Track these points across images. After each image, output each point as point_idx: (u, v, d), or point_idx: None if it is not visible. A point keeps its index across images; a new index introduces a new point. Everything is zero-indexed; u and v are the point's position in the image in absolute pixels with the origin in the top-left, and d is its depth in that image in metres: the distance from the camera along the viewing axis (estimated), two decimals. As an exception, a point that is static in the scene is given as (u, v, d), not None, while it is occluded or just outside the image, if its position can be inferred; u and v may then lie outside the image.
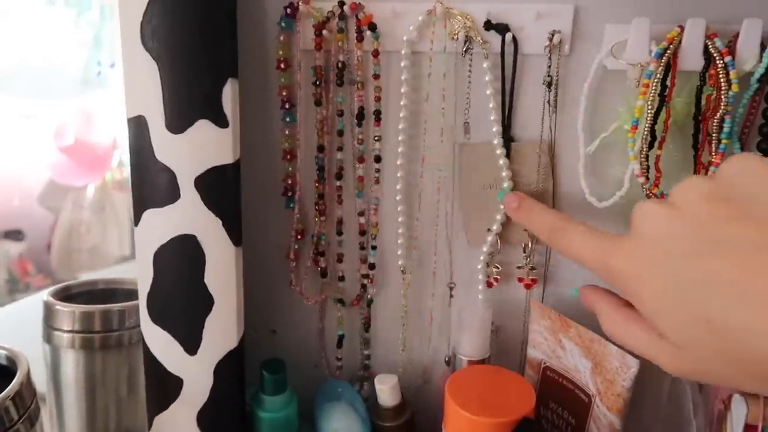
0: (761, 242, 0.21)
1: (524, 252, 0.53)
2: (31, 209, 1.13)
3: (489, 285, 0.53)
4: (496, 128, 0.49)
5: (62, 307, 0.53)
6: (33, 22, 1.06)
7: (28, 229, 1.15)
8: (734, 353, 0.21)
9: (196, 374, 0.49)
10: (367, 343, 0.57)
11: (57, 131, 1.06)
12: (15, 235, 1.13)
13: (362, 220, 0.53)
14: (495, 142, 0.49)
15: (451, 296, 0.55)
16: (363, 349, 0.58)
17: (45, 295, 0.55)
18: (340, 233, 0.54)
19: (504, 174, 0.50)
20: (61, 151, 1.06)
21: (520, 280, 0.53)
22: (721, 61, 0.43)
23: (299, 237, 0.54)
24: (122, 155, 1.08)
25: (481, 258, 0.52)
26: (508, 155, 0.50)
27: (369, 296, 0.56)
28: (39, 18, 1.07)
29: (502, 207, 0.49)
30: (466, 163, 0.51)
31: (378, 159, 0.51)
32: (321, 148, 0.51)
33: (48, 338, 0.54)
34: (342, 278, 0.56)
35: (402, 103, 0.49)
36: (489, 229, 0.52)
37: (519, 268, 0.53)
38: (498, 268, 0.53)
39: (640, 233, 0.26)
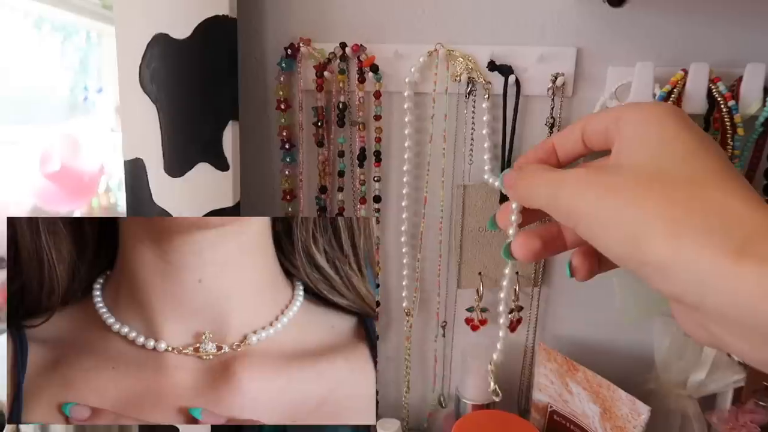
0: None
1: (514, 295, 0.53)
2: (14, 237, 1.09)
3: (474, 329, 0.53)
4: (492, 169, 0.49)
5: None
6: (19, 47, 1.05)
7: (12, 257, 1.11)
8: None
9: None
10: (375, 381, 0.56)
11: (43, 157, 1.04)
12: (-2, 263, 1.10)
13: (365, 261, 0.52)
14: (497, 184, 0.49)
15: (443, 336, 0.54)
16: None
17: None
18: (340, 274, 0.53)
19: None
20: (47, 178, 1.03)
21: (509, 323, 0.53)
22: (725, 105, 0.43)
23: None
24: (109, 181, 1.06)
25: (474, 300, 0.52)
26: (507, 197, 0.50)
27: (376, 334, 0.54)
28: (25, 42, 1.05)
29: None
30: (466, 204, 0.51)
31: (378, 199, 0.51)
32: (323, 189, 0.50)
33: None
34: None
35: (406, 144, 0.48)
36: (480, 273, 0.51)
37: (510, 312, 0.53)
38: (486, 311, 0.52)
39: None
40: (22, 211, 1.08)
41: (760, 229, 0.19)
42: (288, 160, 0.50)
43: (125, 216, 0.47)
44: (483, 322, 0.52)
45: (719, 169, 0.22)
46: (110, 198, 1.11)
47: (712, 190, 0.21)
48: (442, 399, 0.56)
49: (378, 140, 0.49)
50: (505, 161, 0.49)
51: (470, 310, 0.52)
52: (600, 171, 0.23)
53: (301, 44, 0.47)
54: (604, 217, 0.22)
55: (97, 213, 1.08)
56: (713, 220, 0.20)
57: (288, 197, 0.51)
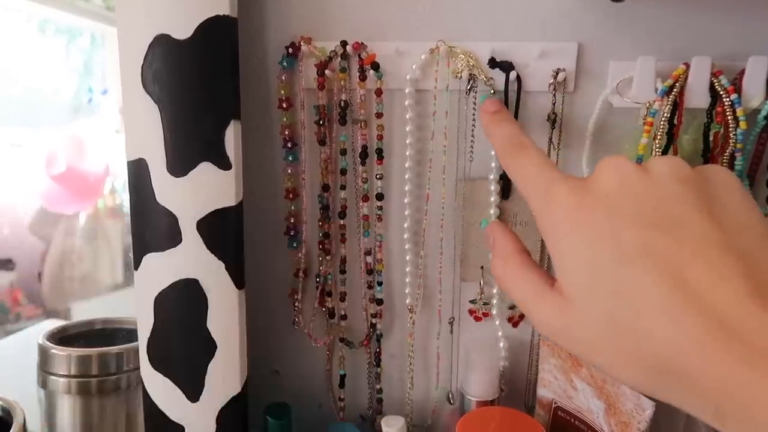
0: (679, 255, 0.21)
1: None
2: (21, 238, 1.10)
3: (477, 319, 0.53)
4: (495, 164, 0.49)
5: (58, 351, 0.52)
6: (23, 49, 1.05)
7: (19, 258, 1.12)
8: (625, 335, 0.22)
9: (197, 421, 0.47)
10: (379, 378, 0.56)
11: (48, 159, 1.04)
12: (5, 264, 1.11)
13: (369, 259, 0.52)
14: (490, 177, 0.49)
15: (451, 332, 0.54)
16: (375, 384, 0.56)
17: (40, 338, 0.54)
18: (343, 272, 0.53)
19: (492, 211, 0.49)
20: (53, 179, 1.04)
21: (510, 318, 0.53)
22: (728, 99, 0.43)
23: (303, 276, 0.53)
24: (114, 182, 1.07)
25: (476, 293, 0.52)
26: (507, 193, 0.50)
27: (379, 331, 0.54)
28: (30, 45, 1.06)
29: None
30: (467, 199, 0.51)
31: (380, 197, 0.51)
32: (326, 188, 0.50)
33: (43, 383, 0.52)
34: (345, 317, 0.54)
35: (407, 141, 0.49)
36: (482, 267, 0.51)
37: (511, 308, 0.53)
38: (487, 304, 0.52)
39: (595, 183, 0.24)
40: (28, 213, 1.09)
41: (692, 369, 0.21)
42: (290, 158, 0.50)
43: (128, 216, 0.47)
44: (486, 314, 0.52)
45: (658, 298, 0.21)
46: (116, 199, 1.12)
47: (654, 326, 0.21)
48: (450, 396, 0.56)
49: (380, 138, 0.49)
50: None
51: (473, 302, 0.52)
52: (559, 326, 0.24)
53: (301, 43, 0.48)
54: (577, 353, 0.24)
55: (103, 214, 1.09)
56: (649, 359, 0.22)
57: (290, 196, 0.51)
